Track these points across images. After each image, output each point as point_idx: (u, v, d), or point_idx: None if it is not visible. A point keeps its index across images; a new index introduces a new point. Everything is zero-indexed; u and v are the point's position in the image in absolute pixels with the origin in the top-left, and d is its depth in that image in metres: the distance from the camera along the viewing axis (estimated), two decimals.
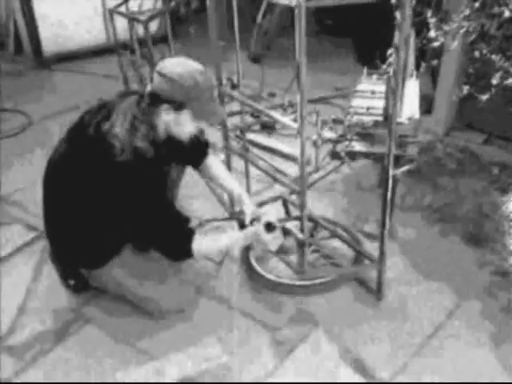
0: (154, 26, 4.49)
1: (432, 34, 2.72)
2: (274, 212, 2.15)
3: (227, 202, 2.60)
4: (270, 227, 2.00)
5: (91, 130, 1.84)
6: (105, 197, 1.84)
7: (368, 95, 2.47)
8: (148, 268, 2.08)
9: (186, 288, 2.17)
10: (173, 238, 1.91)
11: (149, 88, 1.84)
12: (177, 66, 1.81)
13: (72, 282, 2.22)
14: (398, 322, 2.09)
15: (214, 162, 2.29)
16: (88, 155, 1.85)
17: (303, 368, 1.92)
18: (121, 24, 3.67)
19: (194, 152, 2.22)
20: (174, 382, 1.74)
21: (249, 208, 2.13)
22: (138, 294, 2.08)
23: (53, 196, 2.01)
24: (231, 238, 2.03)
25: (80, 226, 1.96)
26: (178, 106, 1.82)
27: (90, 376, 1.91)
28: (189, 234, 1.92)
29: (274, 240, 1.99)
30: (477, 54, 2.69)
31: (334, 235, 2.42)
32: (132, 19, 3.41)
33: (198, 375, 1.76)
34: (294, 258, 2.33)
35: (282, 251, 2.25)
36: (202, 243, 1.93)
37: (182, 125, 1.88)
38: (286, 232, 2.14)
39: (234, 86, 3.72)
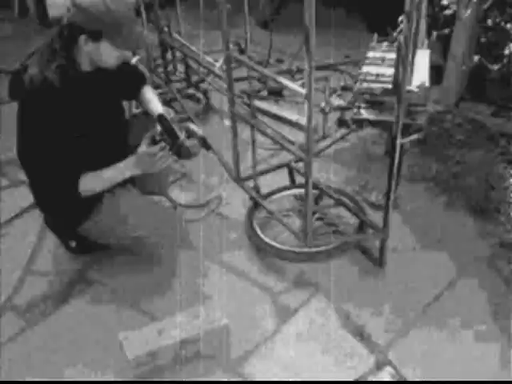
0: None
1: (445, 1, 2.67)
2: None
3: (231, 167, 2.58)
4: (154, 141, 1.94)
5: (12, 75, 1.86)
6: (31, 138, 1.84)
7: (378, 62, 2.43)
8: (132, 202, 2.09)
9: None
10: (58, 177, 1.88)
11: (65, 19, 1.80)
12: None
13: (73, 244, 2.22)
14: (399, 291, 2.11)
15: (148, 90, 2.28)
16: (16, 99, 1.85)
17: (303, 332, 1.95)
18: None
19: (131, 82, 2.23)
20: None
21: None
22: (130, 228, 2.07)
23: (24, 159, 1.97)
24: (115, 167, 1.96)
25: (46, 181, 1.93)
26: (95, 36, 1.79)
27: (93, 336, 1.94)
28: (74, 176, 1.89)
29: (154, 157, 1.92)
30: (490, 22, 2.63)
31: (338, 203, 2.41)
32: None
33: (198, 337, 1.78)
34: (298, 224, 2.34)
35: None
36: (86, 181, 1.90)
37: (103, 54, 1.84)
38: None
39: (241, 51, 3.67)
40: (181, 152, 1.99)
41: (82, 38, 1.78)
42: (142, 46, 2.29)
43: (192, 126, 2.11)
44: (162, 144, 1.92)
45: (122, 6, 1.80)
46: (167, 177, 2.52)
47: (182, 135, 1.98)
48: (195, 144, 2.08)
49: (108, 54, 1.84)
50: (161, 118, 2.00)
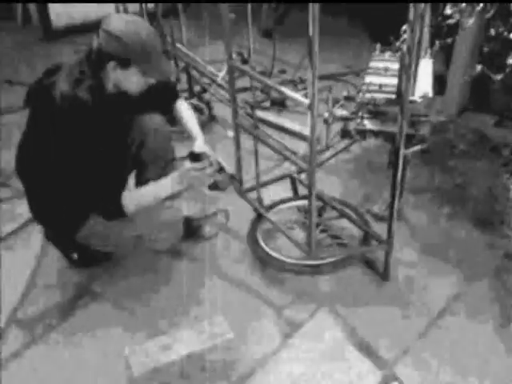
0: None
1: (448, 10, 2.66)
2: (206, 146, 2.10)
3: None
4: (194, 157, 1.93)
5: (36, 87, 1.88)
6: (55, 153, 1.84)
7: (381, 72, 2.42)
8: None
9: (173, 224, 2.20)
10: (103, 194, 1.89)
11: (95, 44, 1.82)
12: (122, 22, 1.80)
13: (75, 256, 2.21)
14: (404, 304, 2.09)
15: (182, 105, 2.29)
16: (38, 114, 1.88)
17: (309, 347, 1.93)
18: None
19: (163, 99, 2.23)
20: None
21: (197, 146, 2.13)
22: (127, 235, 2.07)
23: (26, 171, 2.00)
24: (159, 183, 2.00)
25: (49, 190, 1.95)
26: (124, 63, 1.81)
27: (98, 350, 1.93)
28: (118, 192, 1.90)
29: (201, 172, 1.94)
30: (493, 32, 2.63)
31: (342, 215, 2.40)
32: None
33: (204, 352, 1.77)
34: (301, 236, 2.33)
35: (217, 187, 2.11)
36: (130, 198, 1.92)
37: (130, 81, 1.87)
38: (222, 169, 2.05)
39: (244, 61, 3.67)
40: (211, 184, 2.03)
41: (111, 64, 1.80)
42: (167, 77, 2.25)
43: (222, 162, 2.09)
44: (208, 160, 1.93)
45: (153, 36, 1.83)
46: None
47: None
48: (224, 180, 2.10)
49: (135, 82, 1.87)
50: (194, 156, 1.99)
